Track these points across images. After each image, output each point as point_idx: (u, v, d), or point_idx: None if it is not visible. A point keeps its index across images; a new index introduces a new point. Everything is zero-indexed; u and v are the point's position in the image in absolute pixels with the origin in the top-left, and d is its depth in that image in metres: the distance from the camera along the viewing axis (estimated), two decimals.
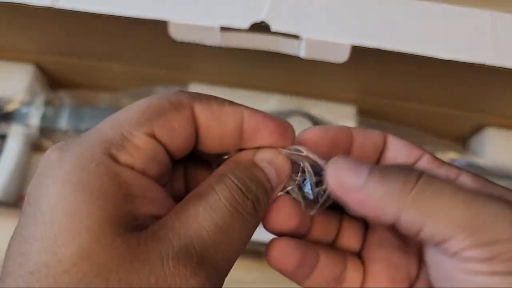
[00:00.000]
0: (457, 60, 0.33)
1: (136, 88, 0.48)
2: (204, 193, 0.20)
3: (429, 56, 0.33)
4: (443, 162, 0.23)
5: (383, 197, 0.20)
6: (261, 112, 0.22)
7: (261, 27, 0.34)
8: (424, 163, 0.23)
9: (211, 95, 0.22)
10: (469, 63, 0.34)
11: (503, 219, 0.19)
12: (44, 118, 0.46)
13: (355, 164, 0.21)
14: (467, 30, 0.34)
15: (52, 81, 0.49)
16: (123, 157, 0.19)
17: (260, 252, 0.46)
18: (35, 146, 0.47)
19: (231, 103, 0.22)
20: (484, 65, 0.33)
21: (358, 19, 0.34)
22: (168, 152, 0.21)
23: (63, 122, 0.46)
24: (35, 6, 0.34)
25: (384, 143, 0.24)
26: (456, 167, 0.23)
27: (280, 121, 0.22)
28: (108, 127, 0.20)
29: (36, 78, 0.47)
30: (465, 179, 0.22)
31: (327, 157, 0.22)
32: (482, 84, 0.40)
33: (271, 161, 0.22)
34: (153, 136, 0.20)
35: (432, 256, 0.22)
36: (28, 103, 0.46)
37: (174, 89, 0.21)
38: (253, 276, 0.47)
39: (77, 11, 0.33)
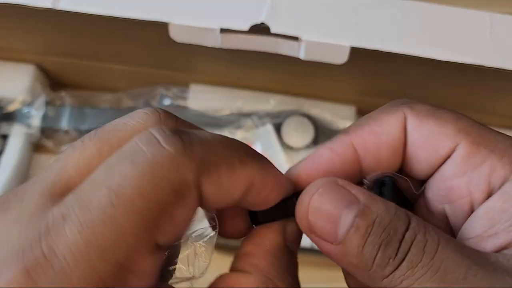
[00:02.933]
0: (456, 61, 0.34)
1: (137, 88, 0.48)
2: None
3: (428, 57, 0.33)
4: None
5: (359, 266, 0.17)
6: (271, 169, 0.18)
7: (261, 29, 0.34)
8: (458, 159, 0.19)
9: (223, 150, 0.17)
10: (468, 64, 0.34)
11: None
12: (45, 118, 0.46)
13: (339, 199, 0.17)
14: (466, 31, 0.34)
15: (53, 81, 0.49)
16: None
17: None
18: (36, 146, 0.48)
19: (242, 161, 0.17)
20: (483, 66, 0.34)
21: (357, 21, 0.34)
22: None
23: (64, 122, 0.47)
24: (36, 7, 0.34)
25: (404, 134, 0.20)
26: None
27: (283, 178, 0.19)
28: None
29: (37, 79, 0.47)
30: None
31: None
32: (481, 85, 0.40)
33: None
34: (157, 248, 0.16)
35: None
36: (29, 103, 0.46)
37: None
38: None
39: (78, 12, 0.34)
